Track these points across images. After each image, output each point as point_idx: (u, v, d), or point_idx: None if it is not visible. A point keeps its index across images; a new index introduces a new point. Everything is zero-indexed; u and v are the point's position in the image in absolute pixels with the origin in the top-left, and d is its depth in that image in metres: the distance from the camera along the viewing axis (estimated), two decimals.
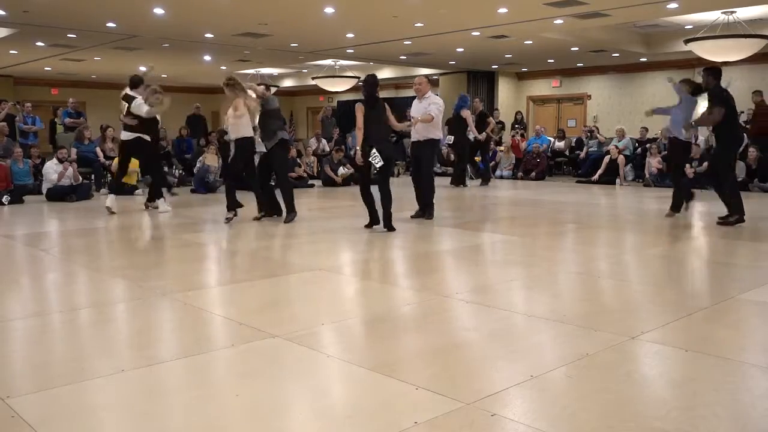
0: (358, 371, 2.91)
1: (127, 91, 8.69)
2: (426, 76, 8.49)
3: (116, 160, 11.33)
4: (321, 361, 3.06)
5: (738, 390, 2.74)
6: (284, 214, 7.66)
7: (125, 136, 8.59)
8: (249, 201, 8.01)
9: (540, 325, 3.63)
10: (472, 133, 12.15)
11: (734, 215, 7.31)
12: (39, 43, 13.79)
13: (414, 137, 8.02)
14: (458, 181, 12.39)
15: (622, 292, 4.55)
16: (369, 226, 7.05)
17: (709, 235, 7.07)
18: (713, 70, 7.68)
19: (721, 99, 7.44)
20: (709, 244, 6.58)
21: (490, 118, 13.33)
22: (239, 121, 7.50)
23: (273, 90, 8.96)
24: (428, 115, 7.68)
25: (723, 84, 7.56)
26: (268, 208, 7.85)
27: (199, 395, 2.68)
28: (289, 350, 3.18)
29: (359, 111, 6.80)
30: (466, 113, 11.89)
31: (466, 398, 2.56)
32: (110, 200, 8.52)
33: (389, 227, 6.84)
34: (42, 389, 2.70)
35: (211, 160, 11.95)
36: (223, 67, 18.13)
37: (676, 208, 7.93)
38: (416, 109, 7.95)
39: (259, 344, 3.27)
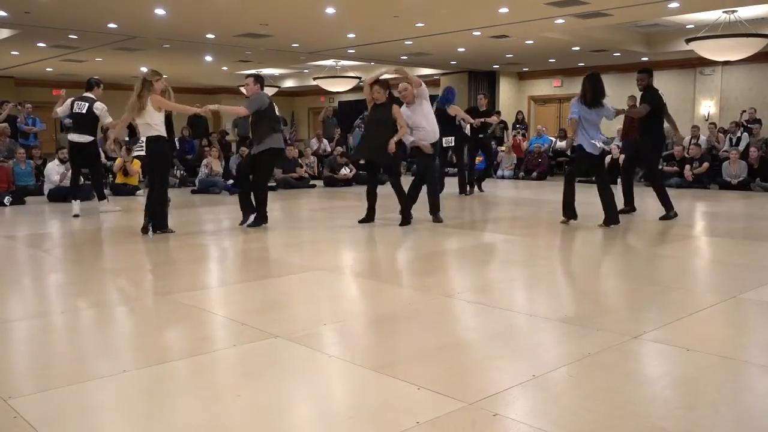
0: (359, 371, 2.91)
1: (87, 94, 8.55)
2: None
3: (118, 160, 11.37)
4: (323, 361, 3.06)
5: (740, 389, 2.74)
6: (251, 218, 7.20)
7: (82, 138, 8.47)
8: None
9: (542, 324, 3.62)
10: (465, 123, 10.85)
11: (671, 211, 7.64)
12: (40, 44, 13.81)
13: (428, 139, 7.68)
14: (463, 188, 11.04)
15: (623, 292, 4.54)
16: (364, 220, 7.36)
17: (710, 234, 7.06)
18: (649, 70, 7.89)
19: (652, 97, 7.64)
20: (711, 243, 6.57)
21: (494, 117, 11.72)
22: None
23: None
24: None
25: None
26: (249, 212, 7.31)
27: (201, 396, 2.68)
28: (290, 350, 3.18)
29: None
30: (456, 109, 10.35)
31: (467, 398, 2.56)
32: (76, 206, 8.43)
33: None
34: (44, 390, 2.70)
35: (216, 165, 11.96)
36: (225, 68, 18.15)
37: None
38: (410, 114, 7.61)
39: (261, 344, 3.27)
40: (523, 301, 4.27)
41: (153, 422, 2.42)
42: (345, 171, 13.21)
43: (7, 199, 9.63)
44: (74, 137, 8.51)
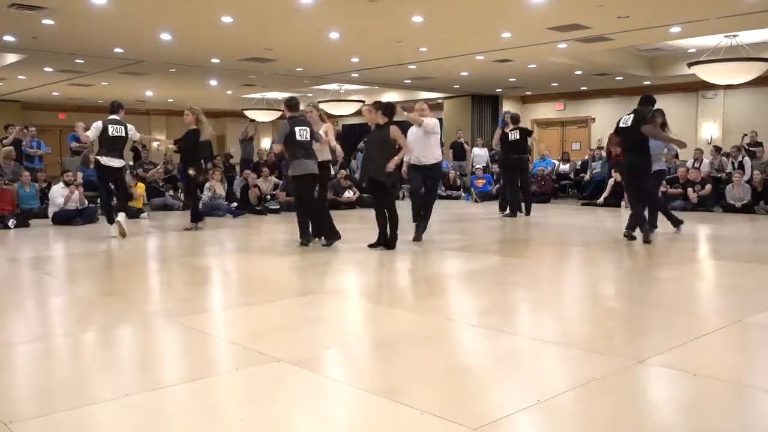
0: (363, 396, 2.89)
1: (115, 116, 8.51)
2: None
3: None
4: (326, 385, 3.04)
5: (746, 415, 2.71)
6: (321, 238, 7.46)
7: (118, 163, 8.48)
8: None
9: (546, 348, 3.60)
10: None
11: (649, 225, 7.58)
12: (47, 69, 13.95)
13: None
14: (522, 208, 10.99)
15: (628, 316, 4.51)
16: (375, 245, 7.15)
17: (715, 257, 7.04)
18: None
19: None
20: (715, 266, 6.54)
21: (529, 139, 11.58)
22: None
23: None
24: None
25: None
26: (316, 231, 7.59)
27: (203, 420, 2.66)
28: (293, 374, 3.16)
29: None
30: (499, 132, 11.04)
31: (472, 423, 2.53)
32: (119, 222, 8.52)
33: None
34: (45, 414, 2.69)
35: (219, 188, 11.98)
36: (229, 92, 18.29)
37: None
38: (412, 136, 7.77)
39: (264, 368, 3.25)
40: (528, 325, 4.25)
41: None
42: (348, 194, 13.24)
43: (11, 222, 9.66)
44: (111, 162, 8.29)
